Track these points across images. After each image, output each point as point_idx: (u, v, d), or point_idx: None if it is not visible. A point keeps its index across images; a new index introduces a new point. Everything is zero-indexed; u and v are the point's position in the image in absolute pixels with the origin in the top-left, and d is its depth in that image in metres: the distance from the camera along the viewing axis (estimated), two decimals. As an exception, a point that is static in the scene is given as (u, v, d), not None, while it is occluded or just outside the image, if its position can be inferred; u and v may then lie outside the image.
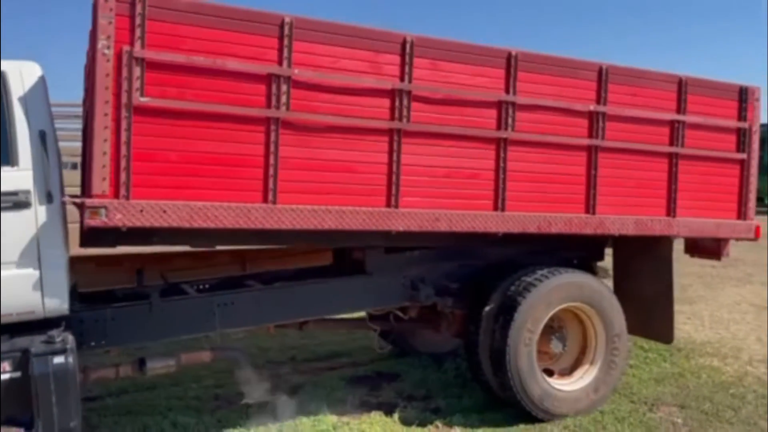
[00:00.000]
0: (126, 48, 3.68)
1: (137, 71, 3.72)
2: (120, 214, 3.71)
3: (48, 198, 3.76)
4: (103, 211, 3.67)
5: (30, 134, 3.77)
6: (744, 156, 5.70)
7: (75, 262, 4.40)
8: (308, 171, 4.23)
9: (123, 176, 3.72)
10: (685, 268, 10.48)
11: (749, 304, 9.05)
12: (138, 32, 3.72)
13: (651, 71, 5.36)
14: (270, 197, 4.10)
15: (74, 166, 6.03)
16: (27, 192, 3.73)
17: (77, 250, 5.89)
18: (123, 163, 3.72)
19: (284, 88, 4.10)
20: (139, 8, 3.71)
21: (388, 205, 4.45)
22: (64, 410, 3.72)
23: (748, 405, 5.40)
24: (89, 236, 4.30)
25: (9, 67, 3.80)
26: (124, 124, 3.71)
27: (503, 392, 5.13)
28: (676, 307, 8.44)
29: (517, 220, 4.86)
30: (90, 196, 3.68)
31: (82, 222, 3.84)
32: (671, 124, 5.39)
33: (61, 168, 4.01)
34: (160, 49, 3.78)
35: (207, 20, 3.90)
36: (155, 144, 3.82)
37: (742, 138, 5.70)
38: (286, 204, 4.14)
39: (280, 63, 4.09)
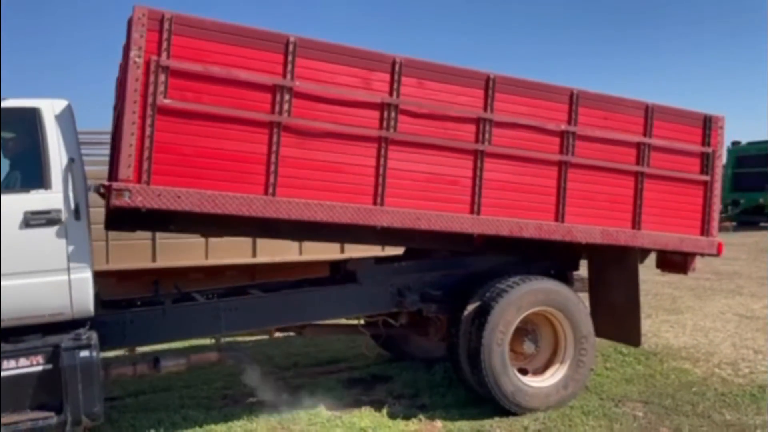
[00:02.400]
0: (154, 57, 4.20)
1: (162, 77, 4.23)
2: (141, 197, 4.20)
3: (76, 215, 4.24)
4: (127, 193, 4.16)
5: (61, 161, 4.26)
6: (707, 178, 6.00)
7: (98, 276, 4.87)
8: (304, 169, 4.65)
9: (145, 165, 4.21)
10: (681, 281, 10.64)
11: (734, 313, 9.09)
12: (164, 45, 4.23)
13: (620, 97, 5.72)
14: (270, 190, 4.54)
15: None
16: (58, 210, 4.20)
17: (102, 266, 6.54)
18: (146, 154, 4.21)
19: (287, 97, 4.56)
20: (166, 25, 4.24)
21: (375, 203, 4.84)
22: (88, 397, 4.20)
23: (707, 401, 5.62)
24: (113, 221, 4.85)
25: (43, 104, 4.33)
26: (148, 121, 4.21)
27: (480, 388, 5.45)
28: (663, 317, 8.89)
29: (491, 223, 5.20)
30: (116, 180, 4.18)
31: (108, 205, 4.35)
32: (638, 145, 5.71)
33: (86, 189, 4.48)
34: (182, 60, 4.30)
35: (223, 37, 4.41)
36: (174, 139, 4.31)
37: (706, 161, 6.00)
38: (284, 197, 4.57)
39: (284, 76, 4.56)
